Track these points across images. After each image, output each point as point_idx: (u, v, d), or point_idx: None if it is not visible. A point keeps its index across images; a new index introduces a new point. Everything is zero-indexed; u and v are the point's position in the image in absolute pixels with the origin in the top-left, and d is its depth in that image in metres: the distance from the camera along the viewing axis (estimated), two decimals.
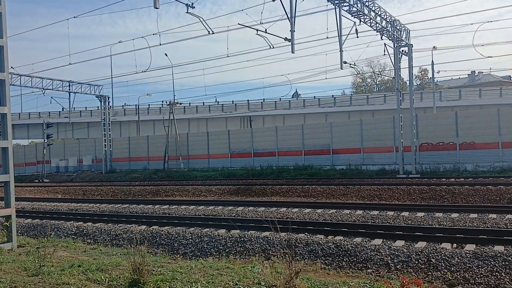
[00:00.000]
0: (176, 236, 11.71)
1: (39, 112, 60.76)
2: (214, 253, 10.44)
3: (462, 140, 27.25)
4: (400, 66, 27.71)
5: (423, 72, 72.86)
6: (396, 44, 26.81)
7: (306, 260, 9.30)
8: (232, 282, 5.92)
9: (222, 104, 58.43)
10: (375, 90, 76.20)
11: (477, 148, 26.73)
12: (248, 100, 58.01)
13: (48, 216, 16.84)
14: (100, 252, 8.72)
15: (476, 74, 71.42)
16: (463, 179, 21.79)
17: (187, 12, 15.04)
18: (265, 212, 15.27)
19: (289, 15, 16.72)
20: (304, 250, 9.76)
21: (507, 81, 67.08)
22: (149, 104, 59.49)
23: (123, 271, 6.52)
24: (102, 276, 6.32)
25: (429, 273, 8.10)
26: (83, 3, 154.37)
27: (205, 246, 10.87)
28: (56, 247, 8.43)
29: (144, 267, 5.83)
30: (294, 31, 17.36)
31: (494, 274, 7.70)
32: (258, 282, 5.77)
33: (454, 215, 12.90)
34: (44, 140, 44.46)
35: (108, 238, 12.47)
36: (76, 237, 12.69)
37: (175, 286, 5.75)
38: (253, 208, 16.45)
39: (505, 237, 9.47)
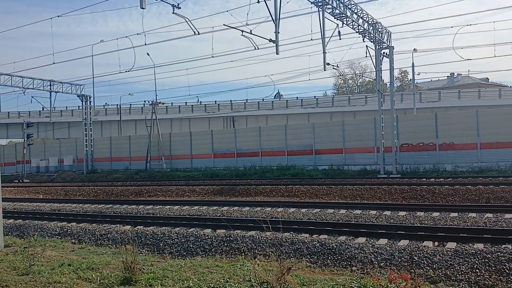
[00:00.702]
0: (162, 236, 11.76)
1: (19, 112, 59.92)
2: (201, 253, 10.52)
3: (441, 141, 27.76)
4: (381, 68, 28.10)
5: (403, 74, 73.87)
6: (377, 46, 27.19)
7: (292, 258, 9.44)
8: (223, 279, 6.04)
9: (205, 104, 58.40)
10: (356, 92, 76.97)
11: (456, 149, 27.25)
12: (231, 101, 58.16)
13: (30, 217, 16.70)
14: (88, 251, 8.75)
15: (455, 76, 72.72)
16: (443, 179, 22.23)
17: (173, 13, 15.09)
18: (250, 212, 15.39)
19: (273, 17, 16.89)
20: (290, 248, 9.91)
21: (485, 83, 68.47)
22: (131, 104, 59.11)
23: (114, 269, 6.59)
24: (93, 275, 6.37)
25: (412, 270, 8.32)
26: (61, 2, 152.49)
27: (191, 246, 10.94)
28: (44, 247, 8.44)
29: (135, 265, 5.91)
30: (279, 32, 17.54)
31: (474, 271, 7.96)
32: (248, 280, 5.90)
33: (435, 214, 13.22)
34: (24, 140, 43.84)
35: (93, 238, 12.43)
36: (60, 237, 12.61)
37: (166, 283, 5.85)
38: (238, 208, 16.56)
39: (484, 235, 9.77)
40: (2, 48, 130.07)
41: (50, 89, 38.65)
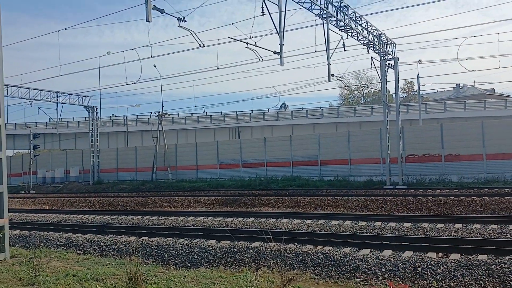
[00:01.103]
0: (166, 247, 11.79)
1: (26, 123, 60.42)
2: (205, 264, 10.54)
3: (447, 152, 27.72)
4: (386, 79, 28.22)
5: (409, 85, 73.91)
6: (382, 58, 27.32)
7: (296, 270, 9.45)
8: None
9: (211, 115, 58.65)
10: (362, 102, 77.03)
11: (462, 160, 27.20)
12: (236, 111, 58.31)
13: (36, 227, 16.77)
14: (93, 262, 8.81)
15: (461, 87, 72.64)
16: (448, 190, 22.18)
17: (178, 26, 15.27)
18: (255, 222, 15.41)
19: (278, 29, 17.05)
20: (294, 260, 9.92)
21: (491, 93, 68.32)
22: (137, 115, 59.55)
23: (118, 280, 6.65)
24: (97, 285, 6.43)
25: (416, 281, 8.32)
26: (67, 13, 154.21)
27: (196, 257, 10.97)
28: (49, 258, 8.52)
29: (139, 276, 5.98)
30: (283, 44, 17.68)
31: (478, 282, 7.95)
32: None
33: (440, 225, 13.19)
34: (31, 151, 44.16)
35: (98, 249, 12.50)
36: (66, 248, 12.70)
37: None
38: (242, 219, 16.59)
39: (488, 247, 9.74)
40: (9, 59, 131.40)
41: (57, 100, 39.02)
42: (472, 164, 26.73)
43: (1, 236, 8.86)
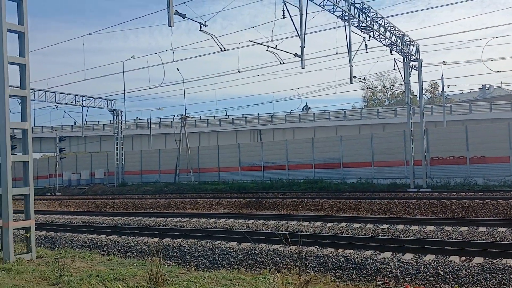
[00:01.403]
0: (188, 248, 11.92)
1: (52, 126, 61.73)
2: (226, 265, 10.62)
3: (472, 154, 27.27)
4: (410, 80, 27.94)
5: (433, 86, 72.89)
6: (405, 59, 27.06)
7: (316, 272, 9.45)
8: None
9: (233, 118, 58.92)
10: (385, 104, 76.27)
11: (487, 162, 26.71)
12: (258, 114, 58.49)
13: (62, 229, 17.09)
14: (116, 263, 8.98)
15: (487, 88, 71.27)
16: (473, 193, 21.81)
17: (200, 30, 15.45)
18: (276, 225, 15.44)
19: (299, 32, 17.07)
20: (315, 263, 9.91)
21: None
22: (160, 118, 60.23)
23: (140, 280, 6.79)
24: (119, 286, 6.59)
25: (437, 285, 8.23)
26: (93, 18, 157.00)
27: (217, 258, 11.06)
28: (73, 258, 8.73)
29: (160, 276, 6.10)
30: (304, 47, 17.69)
31: (502, 286, 7.82)
32: None
33: (463, 228, 13.00)
34: (57, 154, 45.06)
35: (122, 250, 12.70)
36: (90, 249, 12.94)
37: None
38: (263, 221, 16.62)
39: None
40: (35, 63, 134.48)
41: (82, 104, 39.76)
42: (498, 167, 26.22)
43: (28, 236, 9.12)
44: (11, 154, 8.77)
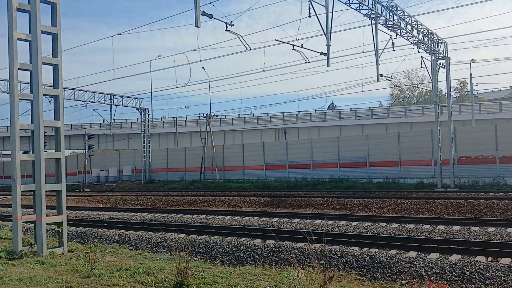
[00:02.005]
0: (214, 244, 12.10)
1: (81, 124, 63.08)
2: (251, 262, 10.76)
3: (501, 154, 26.75)
4: (437, 78, 27.59)
5: (462, 85, 71.55)
6: (433, 57, 26.72)
7: (341, 271, 9.49)
8: (269, 286, 6.32)
9: (257, 116, 59.09)
10: (413, 102, 75.25)
11: None
12: (283, 112, 58.48)
13: (91, 224, 17.53)
14: (144, 257, 9.24)
15: None
16: (502, 194, 21.42)
17: (226, 30, 15.61)
18: (300, 223, 15.51)
19: (325, 31, 17.07)
20: (339, 261, 9.96)
21: None
22: (186, 117, 60.94)
23: (168, 274, 7.01)
24: (148, 279, 6.82)
25: (463, 285, 8.19)
26: (121, 18, 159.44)
27: (242, 255, 11.21)
28: (103, 253, 9.02)
29: (187, 270, 6.30)
30: (330, 45, 17.66)
31: None
32: (294, 287, 6.13)
33: (491, 229, 12.83)
34: (86, 151, 46.04)
35: (149, 246, 12.99)
36: (118, 244, 13.25)
37: None
38: (288, 219, 16.71)
39: None
40: (65, 63, 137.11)
41: (111, 102, 40.50)
42: None
43: (60, 231, 9.45)
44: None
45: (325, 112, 57.78)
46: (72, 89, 37.54)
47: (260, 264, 10.41)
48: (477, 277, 8.30)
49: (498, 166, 26.70)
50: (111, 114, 41.20)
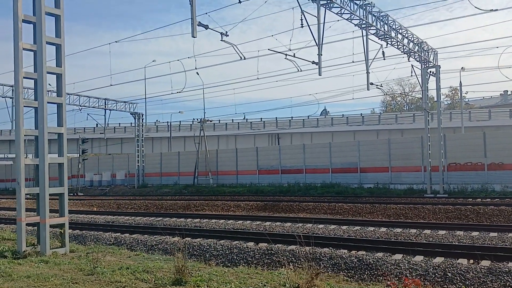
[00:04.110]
0: (208, 247, 12.51)
1: (75, 128, 63.06)
2: (244, 264, 11.16)
3: (490, 161, 27.36)
4: (428, 86, 28.18)
5: (453, 92, 72.40)
6: (423, 66, 27.31)
7: (329, 272, 9.94)
8: (261, 283, 6.83)
9: (251, 122, 59.52)
10: (405, 109, 76.01)
11: (505, 169, 26.76)
12: (276, 118, 58.97)
13: (87, 227, 17.77)
14: (143, 257, 9.67)
15: (508, 94, 70.56)
16: (489, 200, 21.99)
17: (221, 40, 16.09)
18: (292, 227, 15.94)
19: (317, 41, 17.58)
20: (328, 263, 10.41)
21: None
22: (180, 121, 61.22)
23: (166, 272, 7.48)
24: (148, 276, 7.27)
25: (445, 286, 8.67)
26: (117, 22, 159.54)
27: (235, 257, 11.63)
28: (104, 253, 9.46)
29: (185, 268, 6.76)
30: (322, 54, 18.15)
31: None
32: (283, 284, 6.64)
33: (475, 233, 13.35)
34: (79, 155, 46.17)
35: (145, 249, 13.35)
36: (115, 246, 13.61)
37: (212, 285, 6.71)
38: (280, 223, 17.14)
39: None
40: None
41: (105, 107, 40.75)
42: None
43: (62, 232, 9.86)
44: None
45: (317, 118, 58.37)
46: (67, 93, 37.78)
47: (253, 265, 10.83)
48: (458, 278, 8.79)
49: (487, 173, 27.30)
50: (105, 119, 41.50)
